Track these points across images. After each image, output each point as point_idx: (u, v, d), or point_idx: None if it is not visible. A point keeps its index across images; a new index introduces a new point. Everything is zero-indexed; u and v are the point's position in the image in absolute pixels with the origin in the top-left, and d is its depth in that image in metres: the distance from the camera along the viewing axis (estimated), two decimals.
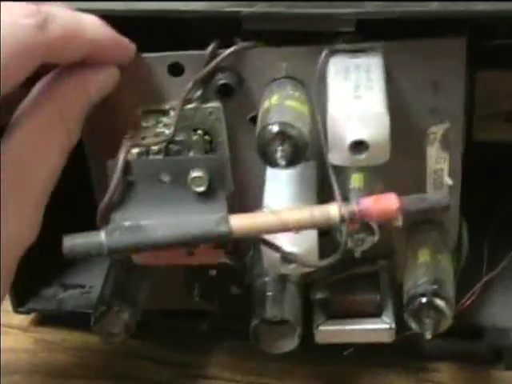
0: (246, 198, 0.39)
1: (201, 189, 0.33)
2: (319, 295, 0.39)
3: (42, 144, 0.33)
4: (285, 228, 0.30)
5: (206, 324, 0.44)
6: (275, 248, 0.33)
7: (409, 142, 0.38)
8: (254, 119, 0.38)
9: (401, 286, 0.39)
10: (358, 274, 0.40)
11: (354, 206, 0.31)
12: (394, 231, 0.39)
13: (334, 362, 0.43)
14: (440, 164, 0.38)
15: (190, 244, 0.32)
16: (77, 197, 0.43)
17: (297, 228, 0.31)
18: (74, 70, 0.34)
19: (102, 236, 0.31)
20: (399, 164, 0.36)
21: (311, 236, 0.34)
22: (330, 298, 0.39)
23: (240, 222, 0.31)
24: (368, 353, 0.42)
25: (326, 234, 0.36)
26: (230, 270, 0.39)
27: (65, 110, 0.33)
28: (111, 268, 0.41)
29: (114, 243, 0.31)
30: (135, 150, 0.35)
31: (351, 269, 0.39)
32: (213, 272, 0.40)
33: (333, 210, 0.31)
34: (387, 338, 0.39)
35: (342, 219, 0.31)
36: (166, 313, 0.44)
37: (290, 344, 0.38)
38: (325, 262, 0.34)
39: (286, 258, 0.34)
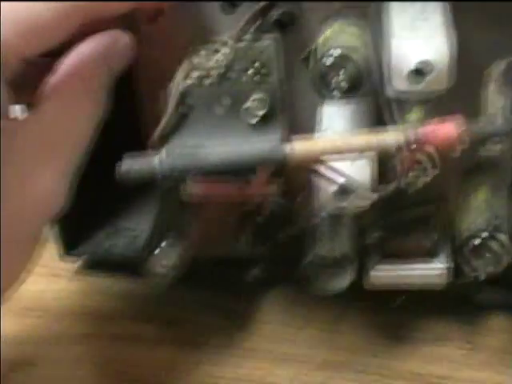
0: None
1: (259, 115, 0.33)
2: (372, 237, 0.39)
3: (68, 115, 0.34)
4: (344, 150, 0.30)
5: (255, 272, 0.43)
6: (331, 179, 0.33)
7: (465, 83, 0.37)
8: (306, 59, 0.37)
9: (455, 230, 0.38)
10: (412, 218, 0.39)
11: (415, 130, 0.30)
12: (451, 171, 0.38)
13: (384, 311, 0.42)
14: (497, 105, 0.37)
15: (246, 168, 0.32)
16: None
17: (355, 152, 0.30)
18: (93, 45, 0.35)
19: (155, 160, 0.31)
20: (455, 104, 0.35)
21: (366, 167, 0.33)
22: (383, 239, 0.39)
23: (298, 144, 0.30)
24: (419, 302, 0.41)
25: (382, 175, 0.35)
26: (280, 213, 0.39)
27: (88, 82, 0.34)
28: (161, 209, 0.41)
29: (168, 166, 0.31)
30: (189, 81, 0.34)
31: (405, 212, 0.39)
32: (262, 218, 0.40)
33: (393, 135, 0.30)
34: (440, 281, 0.38)
35: (404, 143, 0.30)
36: (214, 261, 0.44)
37: (342, 283, 0.37)
38: (380, 193, 0.33)
39: (341, 189, 0.33)
